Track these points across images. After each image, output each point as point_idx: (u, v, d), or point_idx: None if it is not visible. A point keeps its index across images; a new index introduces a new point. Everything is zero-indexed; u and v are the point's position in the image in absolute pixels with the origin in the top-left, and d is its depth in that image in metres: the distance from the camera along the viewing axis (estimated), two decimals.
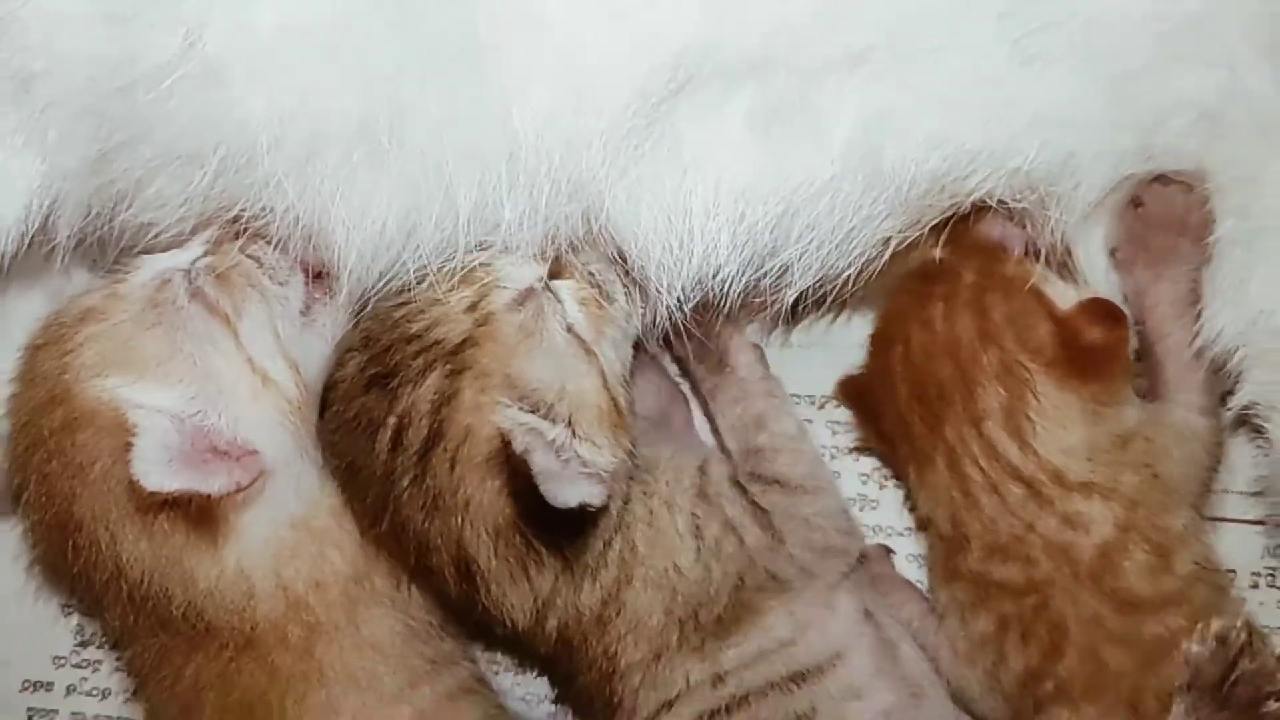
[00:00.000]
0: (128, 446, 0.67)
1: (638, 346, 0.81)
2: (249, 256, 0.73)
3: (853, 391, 0.84)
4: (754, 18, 0.68)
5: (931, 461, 0.78)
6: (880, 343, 0.82)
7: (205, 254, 0.73)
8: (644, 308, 0.77)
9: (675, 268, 0.73)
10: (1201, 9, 0.69)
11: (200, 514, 0.70)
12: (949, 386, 0.77)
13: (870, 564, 0.83)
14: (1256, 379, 0.75)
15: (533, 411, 0.69)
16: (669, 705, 0.76)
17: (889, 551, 0.86)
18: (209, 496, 0.68)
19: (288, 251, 0.74)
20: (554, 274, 0.75)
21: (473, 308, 0.72)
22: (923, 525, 0.82)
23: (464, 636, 0.80)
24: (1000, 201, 0.74)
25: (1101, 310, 0.76)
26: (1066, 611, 0.75)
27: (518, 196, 0.70)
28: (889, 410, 0.80)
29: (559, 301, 0.73)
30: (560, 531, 0.71)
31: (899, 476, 0.85)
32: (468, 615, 0.76)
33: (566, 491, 0.68)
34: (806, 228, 0.73)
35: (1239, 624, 0.70)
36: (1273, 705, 0.68)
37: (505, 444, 0.69)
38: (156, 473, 0.66)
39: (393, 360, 0.72)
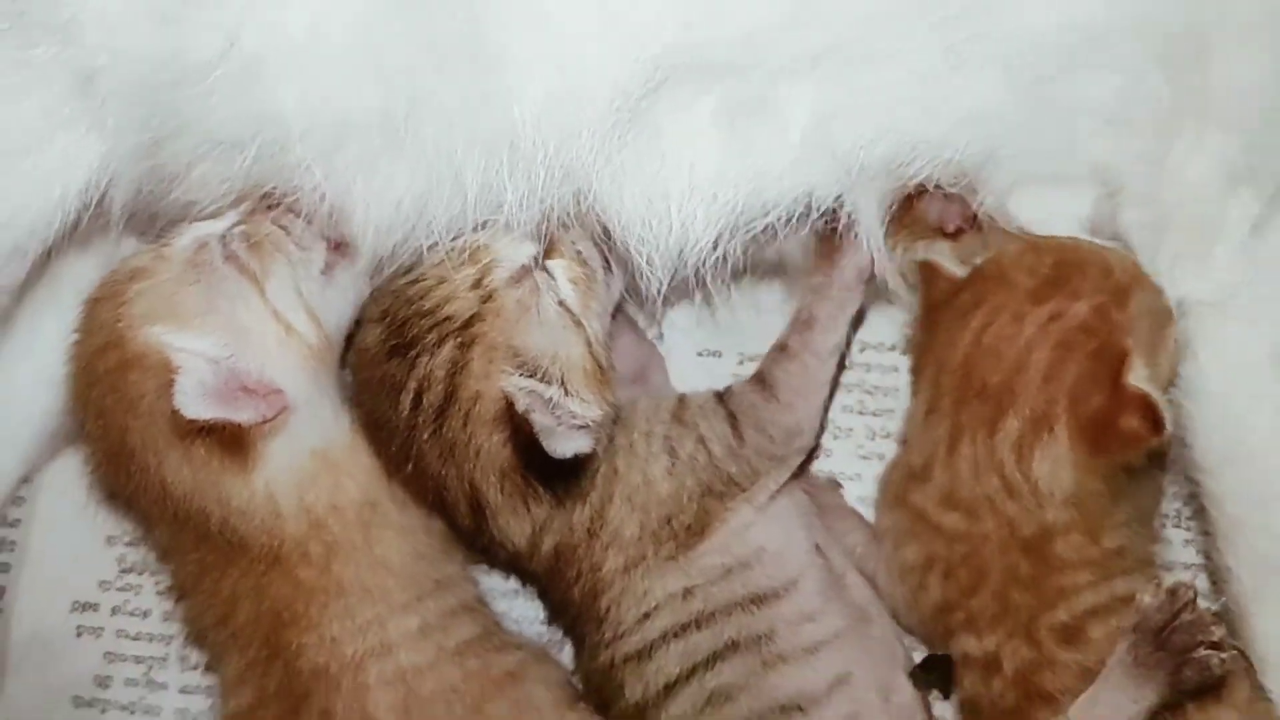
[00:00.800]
0: (171, 383, 0.77)
1: (618, 310, 0.91)
2: (278, 226, 0.83)
3: (932, 284, 0.88)
4: (722, 27, 0.78)
5: (938, 414, 0.85)
6: (981, 288, 0.85)
7: (239, 222, 0.83)
8: (625, 278, 0.87)
9: (654, 242, 0.83)
10: (1104, 23, 0.79)
11: (232, 442, 0.80)
12: (990, 387, 0.82)
13: (821, 495, 0.93)
14: None
15: (531, 376, 0.80)
16: (646, 617, 0.84)
17: (838, 485, 0.95)
18: (239, 426, 0.79)
19: (313, 222, 0.84)
20: (547, 253, 0.85)
21: (476, 284, 0.83)
22: (900, 440, 0.91)
23: (467, 562, 0.90)
24: (937, 185, 0.84)
25: (1150, 409, 0.79)
26: (992, 563, 0.84)
27: (518, 180, 0.80)
28: (937, 344, 0.86)
29: (552, 279, 0.84)
30: (555, 474, 0.83)
31: (916, 370, 0.90)
32: (475, 542, 0.87)
33: (562, 444, 0.78)
34: (772, 206, 0.83)
35: (1189, 582, 0.77)
36: (1201, 652, 0.76)
37: (509, 405, 0.80)
38: (194, 404, 0.77)
39: (410, 333, 0.83)
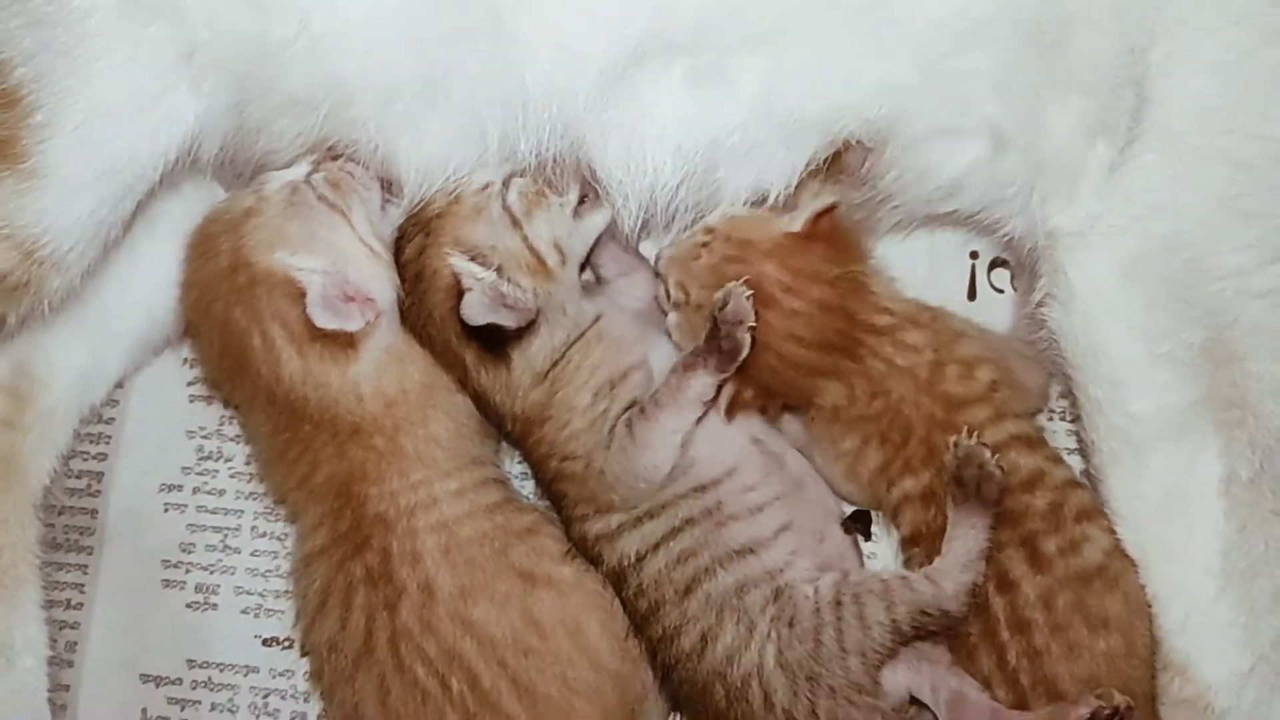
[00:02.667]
0: (293, 295, 0.98)
1: (634, 252, 1.11)
2: (346, 172, 1.03)
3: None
4: (683, 13, 0.97)
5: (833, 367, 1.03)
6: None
7: (314, 170, 1.03)
8: (610, 213, 1.05)
9: (631, 183, 1.02)
10: (989, 12, 0.97)
11: (343, 341, 1.00)
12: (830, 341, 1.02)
13: None
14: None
15: (472, 260, 1.00)
16: (602, 511, 1.00)
17: None
18: (348, 332, 0.99)
19: (369, 168, 1.04)
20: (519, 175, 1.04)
21: (450, 193, 1.03)
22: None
23: (498, 449, 1.09)
24: (859, 141, 1.03)
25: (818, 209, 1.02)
26: (912, 416, 1.01)
27: (529, 132, 1.00)
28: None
29: (506, 191, 1.03)
30: (491, 342, 1.01)
31: None
32: (487, 414, 1.06)
33: (476, 314, 0.97)
34: (728, 156, 1.02)
35: (961, 437, 0.97)
36: (987, 472, 0.95)
37: (457, 280, 0.99)
38: (320, 315, 0.98)
39: (404, 229, 1.05)
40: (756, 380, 1.02)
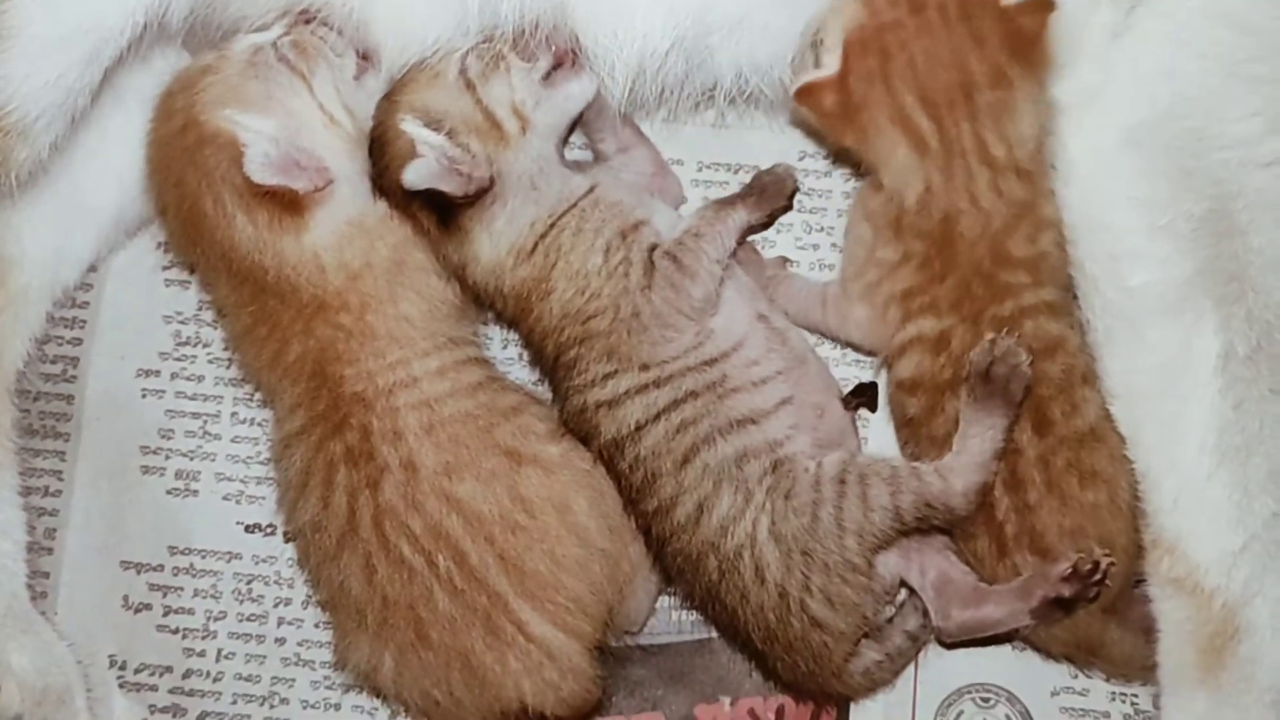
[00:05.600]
0: (241, 155, 0.94)
1: (636, 129, 1.09)
2: (317, 37, 1.00)
3: (820, 93, 0.97)
4: None
5: (925, 147, 0.97)
6: (869, 52, 0.96)
7: (285, 33, 1.00)
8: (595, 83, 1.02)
9: (619, 50, 0.99)
10: None
11: (289, 206, 0.97)
12: (948, 86, 0.95)
13: (771, 268, 1.08)
14: None
15: (425, 125, 0.98)
16: (609, 377, 0.98)
17: (786, 260, 1.10)
18: (295, 192, 0.96)
19: (344, 35, 1.01)
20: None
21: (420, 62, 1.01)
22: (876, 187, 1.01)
23: (476, 331, 1.06)
24: None
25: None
26: (963, 256, 0.98)
27: None
28: (878, 108, 0.97)
29: (466, 56, 1.00)
30: (443, 211, 1.00)
31: (857, 167, 1.04)
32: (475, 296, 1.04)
33: (417, 179, 0.96)
34: (721, 19, 0.98)
35: (1003, 334, 0.95)
36: (1019, 369, 0.94)
37: (412, 147, 0.98)
38: (260, 171, 0.94)
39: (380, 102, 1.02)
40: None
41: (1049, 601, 0.95)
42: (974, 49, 0.96)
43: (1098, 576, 0.94)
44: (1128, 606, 0.99)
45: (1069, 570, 0.94)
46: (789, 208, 1.08)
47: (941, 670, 1.06)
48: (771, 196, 1.05)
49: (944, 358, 0.99)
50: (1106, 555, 0.94)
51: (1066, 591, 0.94)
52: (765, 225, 1.07)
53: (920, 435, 1.00)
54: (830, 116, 0.99)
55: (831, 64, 0.98)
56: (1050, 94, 0.99)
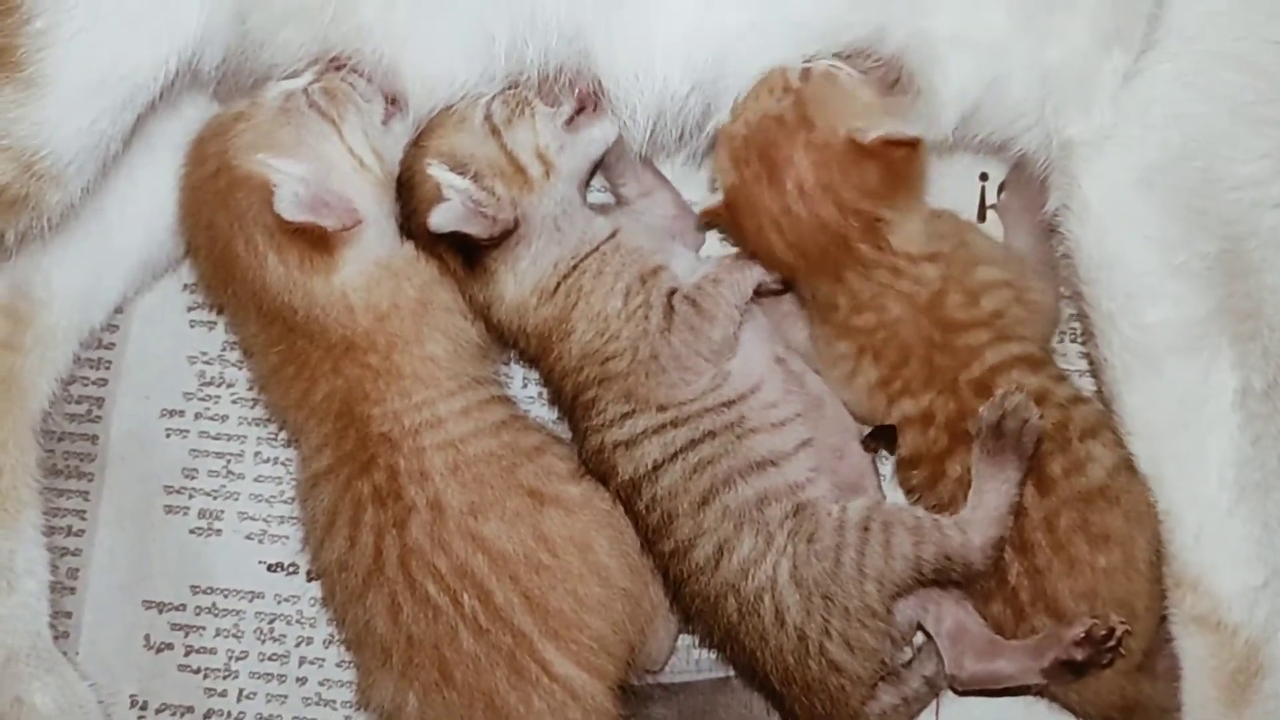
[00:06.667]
0: (272, 194, 0.97)
1: (656, 173, 1.11)
2: (347, 83, 1.02)
3: (718, 218, 1.05)
4: None
5: (811, 269, 1.02)
6: (740, 208, 1.02)
7: (315, 80, 1.02)
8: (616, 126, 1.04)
9: (639, 93, 1.01)
10: None
11: (319, 246, 0.99)
12: (821, 246, 1.00)
13: (783, 305, 1.08)
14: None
15: (451, 169, 1.00)
16: (627, 416, 0.99)
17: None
18: (324, 231, 0.98)
19: (372, 81, 1.03)
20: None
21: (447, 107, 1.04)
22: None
23: (499, 371, 1.08)
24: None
25: (894, 141, 0.97)
26: (910, 338, 1.00)
27: (536, 40, 0.99)
28: (764, 250, 1.02)
29: (492, 100, 1.03)
30: (468, 253, 1.02)
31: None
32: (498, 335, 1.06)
33: (442, 222, 0.98)
34: (737, 60, 1.00)
35: (1015, 388, 0.96)
36: (1029, 424, 0.94)
37: (439, 190, 1.00)
38: (289, 208, 0.96)
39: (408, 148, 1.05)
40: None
41: (1061, 663, 0.95)
42: (837, 217, 1.00)
43: (1112, 643, 0.94)
44: (1159, 660, 0.98)
45: (1083, 635, 0.94)
46: None
47: (962, 714, 1.05)
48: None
49: (933, 431, 1.00)
50: (1122, 622, 0.93)
51: (1079, 656, 0.94)
52: (780, 290, 1.07)
53: (928, 503, 1.01)
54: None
55: (718, 199, 1.04)
56: (1065, 135, 1.00)
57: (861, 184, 1.00)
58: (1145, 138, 0.97)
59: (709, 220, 1.08)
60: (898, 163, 1.00)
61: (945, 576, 0.96)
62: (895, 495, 1.06)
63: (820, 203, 1.00)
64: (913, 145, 1.00)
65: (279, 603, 1.11)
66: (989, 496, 0.95)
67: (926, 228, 1.02)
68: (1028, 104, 1.01)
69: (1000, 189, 1.06)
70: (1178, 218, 0.95)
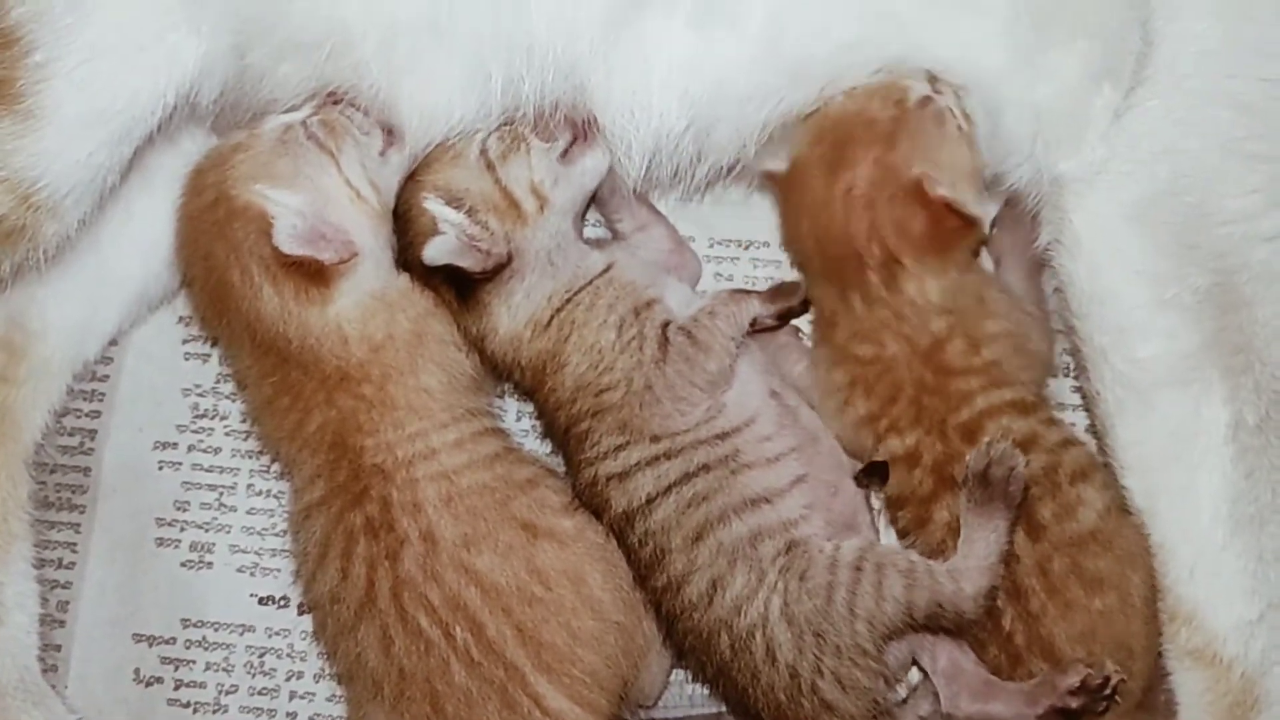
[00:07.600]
0: (269, 226, 0.97)
1: (652, 208, 1.12)
2: (345, 116, 1.02)
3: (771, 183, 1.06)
4: None
5: (821, 281, 1.04)
6: (790, 190, 1.04)
7: (313, 113, 1.02)
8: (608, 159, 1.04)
9: (635, 130, 1.01)
10: None
11: (315, 277, 0.99)
12: (844, 259, 1.01)
13: (780, 336, 1.09)
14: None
15: (446, 204, 1.01)
16: (620, 449, 0.99)
17: (798, 331, 1.10)
18: (321, 264, 0.98)
19: (370, 114, 1.03)
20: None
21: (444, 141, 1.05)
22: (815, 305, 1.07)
23: (492, 403, 1.08)
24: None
25: (958, 210, 0.99)
26: (903, 377, 1.00)
27: (533, 75, 0.99)
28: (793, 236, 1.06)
29: (487, 136, 1.04)
30: (461, 286, 1.03)
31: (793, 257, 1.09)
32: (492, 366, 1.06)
33: (436, 256, 0.99)
34: (735, 99, 1.01)
35: (999, 437, 0.96)
36: (1016, 471, 0.94)
37: (434, 224, 1.00)
38: (288, 242, 0.97)
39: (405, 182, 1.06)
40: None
41: (1056, 710, 0.94)
42: (864, 237, 1.01)
43: (1107, 691, 0.93)
44: (1157, 695, 0.98)
45: (1078, 684, 0.93)
46: (803, 311, 1.09)
47: None
48: (786, 295, 1.07)
49: (919, 472, 1.00)
50: (1117, 670, 0.93)
51: (1074, 704, 0.93)
52: (777, 325, 1.08)
53: (916, 545, 1.00)
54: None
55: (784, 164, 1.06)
56: (1056, 170, 1.01)
57: (902, 223, 1.01)
58: (1136, 173, 0.98)
59: (766, 178, 1.08)
60: (947, 228, 1.01)
61: (936, 623, 0.96)
62: (888, 535, 1.05)
63: (856, 215, 1.01)
64: (969, 224, 1.01)
65: (270, 636, 1.11)
66: (979, 545, 0.95)
67: (947, 286, 1.02)
68: (1019, 140, 1.02)
69: (991, 225, 1.07)
70: (1169, 252, 0.96)
